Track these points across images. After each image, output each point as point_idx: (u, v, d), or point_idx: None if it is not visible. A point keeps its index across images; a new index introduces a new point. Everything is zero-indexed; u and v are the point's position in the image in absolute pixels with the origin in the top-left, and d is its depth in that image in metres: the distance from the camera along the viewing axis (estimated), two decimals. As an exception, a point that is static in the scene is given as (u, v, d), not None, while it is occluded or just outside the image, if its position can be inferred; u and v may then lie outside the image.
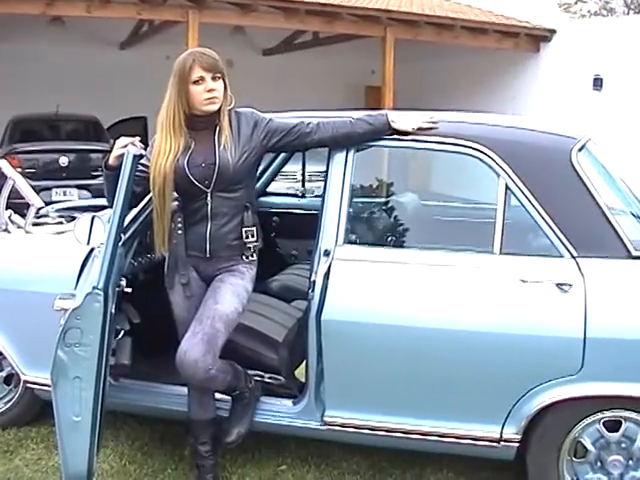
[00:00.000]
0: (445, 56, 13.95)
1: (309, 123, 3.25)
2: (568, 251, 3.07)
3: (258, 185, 4.50)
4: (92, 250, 3.42)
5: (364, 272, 3.21)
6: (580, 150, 3.25)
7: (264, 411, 3.44)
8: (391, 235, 3.74)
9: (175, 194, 3.19)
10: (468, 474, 3.64)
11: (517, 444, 3.16)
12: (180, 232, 3.22)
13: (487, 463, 3.56)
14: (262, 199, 4.67)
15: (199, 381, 3.15)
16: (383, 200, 4.54)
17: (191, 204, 3.20)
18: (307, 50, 14.75)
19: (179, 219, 3.22)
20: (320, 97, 11.34)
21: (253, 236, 3.24)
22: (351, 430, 3.29)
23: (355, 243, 3.37)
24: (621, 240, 3.07)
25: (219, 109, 3.13)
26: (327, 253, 3.23)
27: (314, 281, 3.21)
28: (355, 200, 3.50)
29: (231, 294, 3.17)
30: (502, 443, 3.15)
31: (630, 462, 3.15)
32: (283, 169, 4.77)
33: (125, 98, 13.15)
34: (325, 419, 3.31)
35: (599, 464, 3.17)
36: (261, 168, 4.46)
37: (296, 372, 3.67)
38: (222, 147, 3.12)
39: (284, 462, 3.74)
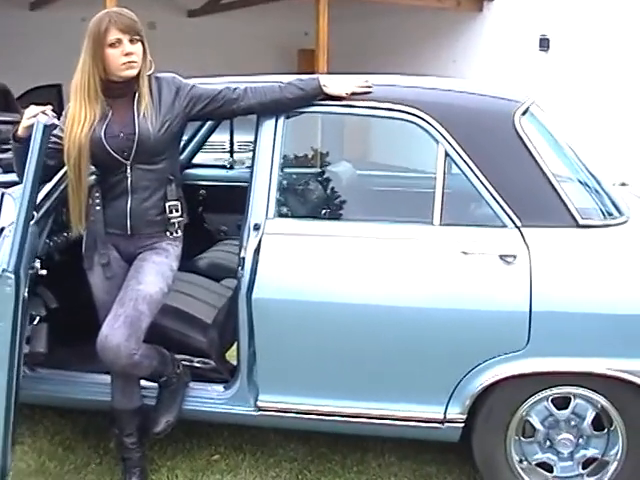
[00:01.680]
0: (383, 16, 13.97)
1: (236, 89, 3.23)
2: (512, 221, 3.11)
3: (183, 156, 4.48)
4: (2, 230, 3.36)
5: (297, 247, 3.22)
6: (523, 114, 3.29)
7: (194, 398, 3.43)
8: (325, 207, 3.77)
9: (92, 167, 3.15)
10: (412, 457, 3.70)
11: (462, 424, 3.21)
12: (98, 208, 3.19)
13: (431, 446, 3.64)
14: (187, 171, 4.64)
15: (122, 367, 3.13)
16: (316, 170, 4.55)
17: (109, 177, 3.17)
18: (235, 11, 14.61)
19: (97, 194, 3.19)
20: (249, 61, 11.29)
21: (177, 211, 3.23)
22: (287, 415, 3.31)
23: (287, 216, 3.37)
24: (567, 209, 3.12)
25: (138, 74, 3.09)
26: (257, 227, 3.23)
27: (244, 257, 3.21)
28: (286, 170, 3.50)
29: (155, 273, 3.16)
30: (446, 424, 3.21)
31: (580, 440, 3.24)
32: (210, 139, 4.74)
33: (37, 64, 12.91)
34: (259, 404, 3.32)
35: (548, 443, 3.26)
36: (185, 138, 4.43)
37: (227, 355, 3.69)
38: (142, 116, 3.09)
39: (217, 451, 3.75)
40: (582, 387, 3.14)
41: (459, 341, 3.10)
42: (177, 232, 3.26)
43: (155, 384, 3.39)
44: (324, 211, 3.69)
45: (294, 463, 3.67)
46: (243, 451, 3.76)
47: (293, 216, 3.43)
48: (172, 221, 3.22)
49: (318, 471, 3.61)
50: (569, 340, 3.07)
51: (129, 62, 3.06)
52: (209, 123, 4.48)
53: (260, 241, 3.21)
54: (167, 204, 3.20)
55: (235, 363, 3.41)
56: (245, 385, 3.33)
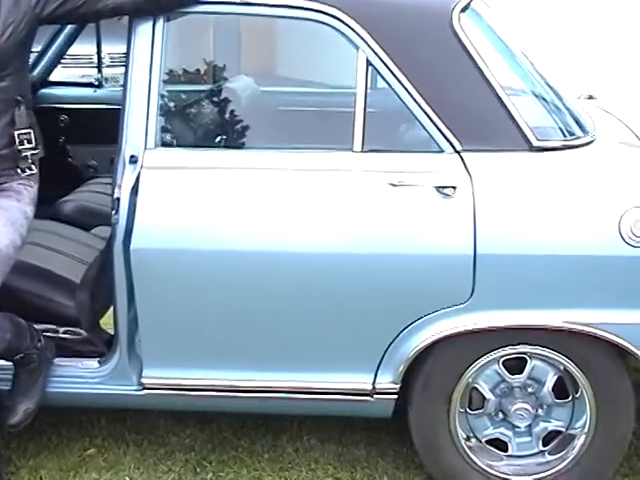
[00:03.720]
0: None
1: (100, -17, 3.19)
2: (450, 144, 3.15)
3: (35, 72, 4.43)
4: None
5: (185, 183, 3.21)
6: (463, 11, 3.31)
7: (60, 377, 3.42)
8: (220, 133, 3.76)
9: None
10: (335, 439, 3.79)
11: (395, 396, 3.28)
12: None
13: (359, 424, 3.74)
14: (43, 91, 4.60)
15: (-35, 343, 3.12)
16: (208, 87, 4.53)
17: (-62, 100, 3.13)
18: None
19: None
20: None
21: (30, 142, 3.19)
22: (179, 393, 3.34)
23: (171, 145, 3.37)
24: (519, 128, 3.17)
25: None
26: (134, 160, 3.20)
27: (118, 198, 3.19)
28: (170, 88, 3.49)
29: (4, 222, 3.12)
30: (375, 396, 3.27)
31: (539, 411, 3.35)
32: (71, 50, 4.68)
33: None
34: (143, 381, 3.33)
35: (501, 416, 3.36)
36: (39, 48, 4.37)
37: (102, 322, 3.67)
38: (-23, 19, 3.04)
39: (92, 444, 3.76)
40: (539, 346, 3.23)
41: (388, 294, 3.14)
42: (31, 169, 3.22)
43: (9, 363, 3.36)
44: (219, 138, 3.69)
45: (191, 453, 3.71)
46: (126, 442, 3.78)
47: (180, 145, 3.42)
48: (23, 155, 3.18)
49: (221, 461, 3.66)
50: (522, 289, 3.14)
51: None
52: (68, 29, 4.42)
53: (138, 177, 3.19)
54: (16, 133, 3.15)
55: (112, 332, 3.41)
56: (125, 358, 3.34)
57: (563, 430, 3.36)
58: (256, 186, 3.21)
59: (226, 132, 3.83)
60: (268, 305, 3.21)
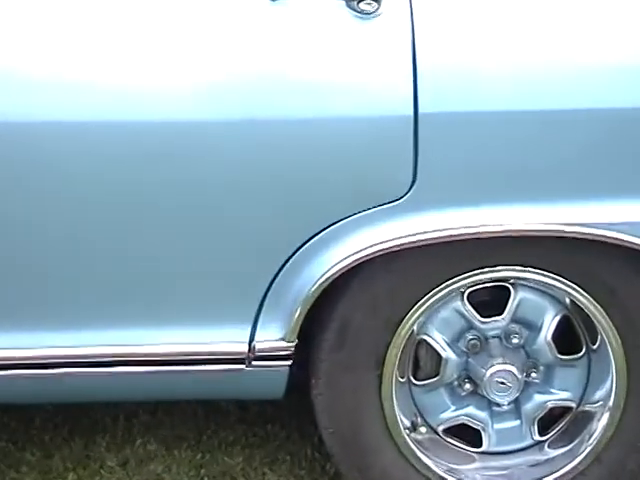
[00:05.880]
0: None
1: None
2: None
3: None
4: None
5: None
6: None
7: None
8: None
9: None
10: (190, 441, 3.83)
11: (288, 362, 3.23)
12: None
13: (231, 412, 3.78)
14: None
15: None
16: None
17: None
18: None
19: None
20: None
21: None
22: None
23: None
24: None
25: None
26: None
27: None
28: None
29: None
30: (255, 363, 3.21)
31: (533, 376, 3.35)
32: None
33: None
34: None
35: (468, 386, 3.35)
36: None
37: None
38: None
39: None
40: (529, 266, 3.20)
41: (270, 187, 3.07)
42: None
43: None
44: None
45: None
46: None
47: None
48: None
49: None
50: (496, 171, 3.10)
51: None
52: None
53: None
54: None
55: None
56: None
57: (573, 407, 3.38)
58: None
59: None
60: (64, 217, 3.09)
